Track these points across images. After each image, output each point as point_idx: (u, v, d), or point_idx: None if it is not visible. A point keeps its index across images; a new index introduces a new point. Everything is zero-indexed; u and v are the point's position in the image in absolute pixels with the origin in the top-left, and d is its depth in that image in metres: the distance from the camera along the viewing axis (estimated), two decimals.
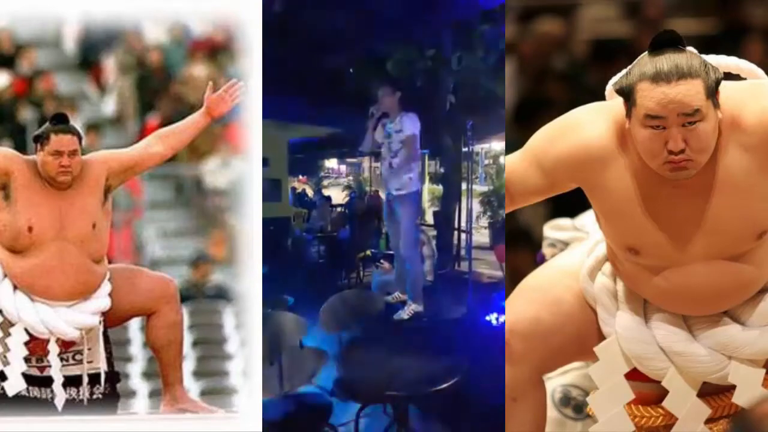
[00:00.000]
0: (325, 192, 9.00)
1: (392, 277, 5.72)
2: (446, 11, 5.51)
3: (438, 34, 5.88)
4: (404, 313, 4.85)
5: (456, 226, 6.60)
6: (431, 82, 6.01)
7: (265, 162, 5.21)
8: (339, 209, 8.64)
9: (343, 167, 10.55)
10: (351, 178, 10.06)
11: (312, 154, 9.10)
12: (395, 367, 3.05)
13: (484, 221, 8.71)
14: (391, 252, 6.51)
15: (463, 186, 6.65)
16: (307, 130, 7.43)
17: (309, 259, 7.06)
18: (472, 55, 5.57)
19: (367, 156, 9.49)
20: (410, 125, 4.93)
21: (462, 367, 3.02)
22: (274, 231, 5.94)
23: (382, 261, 6.33)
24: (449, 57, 5.85)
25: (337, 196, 9.16)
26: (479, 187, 8.91)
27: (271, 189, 6.34)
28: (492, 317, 4.38)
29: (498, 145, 8.82)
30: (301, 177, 9.19)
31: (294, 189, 8.52)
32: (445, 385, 2.84)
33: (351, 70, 6.52)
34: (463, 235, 6.68)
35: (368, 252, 6.89)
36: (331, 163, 10.42)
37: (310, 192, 9.02)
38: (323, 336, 3.68)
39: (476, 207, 8.19)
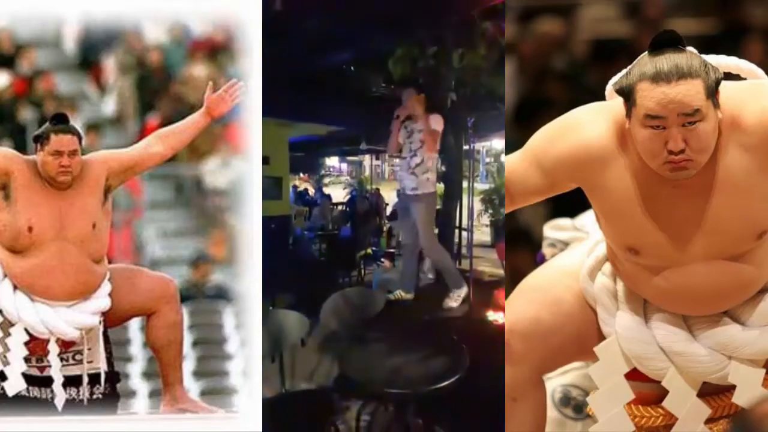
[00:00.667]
0: (326, 190, 8.99)
1: (394, 275, 5.75)
2: (447, 8, 5.49)
3: (439, 32, 5.86)
4: (452, 301, 4.98)
5: (457, 224, 6.61)
6: (432, 80, 6.00)
7: (266, 160, 5.21)
8: (340, 207, 8.65)
9: (344, 165, 10.54)
10: (352, 176, 10.06)
11: (313, 152, 9.11)
12: (396, 365, 3.06)
13: (486, 219, 8.70)
14: (392, 250, 6.52)
15: (464, 184, 6.64)
16: (307, 128, 7.44)
17: (310, 258, 7.06)
18: (474, 53, 5.57)
19: (367, 154, 9.50)
20: (434, 123, 5.02)
21: (463, 365, 3.03)
22: (275, 229, 5.94)
23: (383, 259, 6.34)
24: (450, 54, 5.84)
25: (338, 194, 9.16)
26: (480, 185, 8.91)
27: (273, 187, 6.34)
28: (493, 315, 4.39)
29: (499, 143, 8.81)
30: (302, 175, 9.18)
31: (295, 187, 8.51)
32: (445, 383, 2.84)
33: (352, 68, 6.51)
34: (464, 233, 6.68)
35: (369, 250, 6.90)
36: (332, 161, 10.41)
37: (311, 190, 9.02)
38: (324, 334, 3.68)
39: (477, 205, 8.18)
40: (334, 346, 3.59)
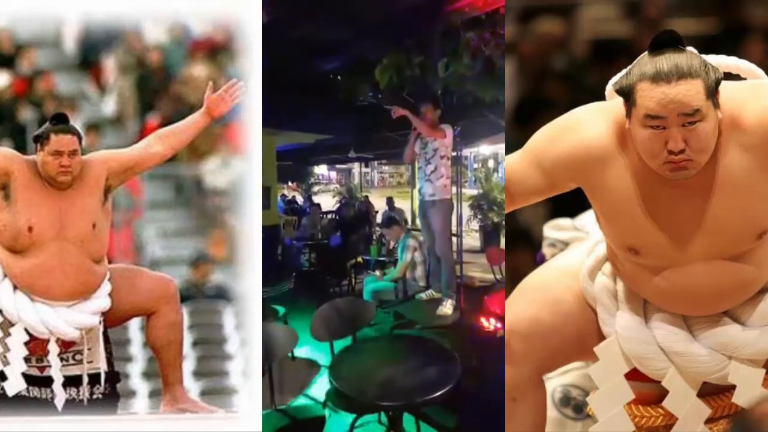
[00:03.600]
0: (315, 198, 8.97)
1: (383, 284, 5.84)
2: (433, 19, 5.57)
3: (425, 42, 5.95)
4: (446, 308, 5.10)
5: None
6: (418, 89, 6.07)
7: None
8: (329, 216, 8.62)
9: (332, 174, 10.54)
10: (341, 184, 10.06)
11: (301, 160, 9.11)
12: (388, 376, 3.02)
13: (475, 224, 8.74)
14: (383, 258, 6.56)
15: (453, 190, 6.73)
16: (295, 137, 7.43)
17: (299, 268, 7.02)
18: (459, 62, 5.65)
19: (356, 162, 9.52)
20: (446, 135, 5.34)
21: (455, 372, 2.99)
22: (263, 239, 5.91)
23: (375, 269, 6.34)
24: (436, 64, 5.93)
25: (328, 202, 9.13)
26: (468, 191, 8.94)
27: (261, 197, 6.31)
28: (484, 321, 4.36)
29: (486, 149, 8.89)
30: (290, 184, 9.17)
31: (284, 196, 8.47)
32: (438, 393, 2.79)
33: (339, 77, 6.58)
34: (454, 239, 6.73)
35: (359, 258, 6.89)
36: (321, 169, 10.40)
37: (300, 199, 8.99)
38: (315, 346, 3.64)
39: (466, 211, 8.19)
40: (325, 358, 3.55)
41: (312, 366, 3.65)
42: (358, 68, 6.33)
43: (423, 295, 5.61)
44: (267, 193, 6.65)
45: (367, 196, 9.09)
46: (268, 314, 4.37)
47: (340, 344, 3.55)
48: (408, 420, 3.15)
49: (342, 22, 5.35)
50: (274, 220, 7.04)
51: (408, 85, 6.13)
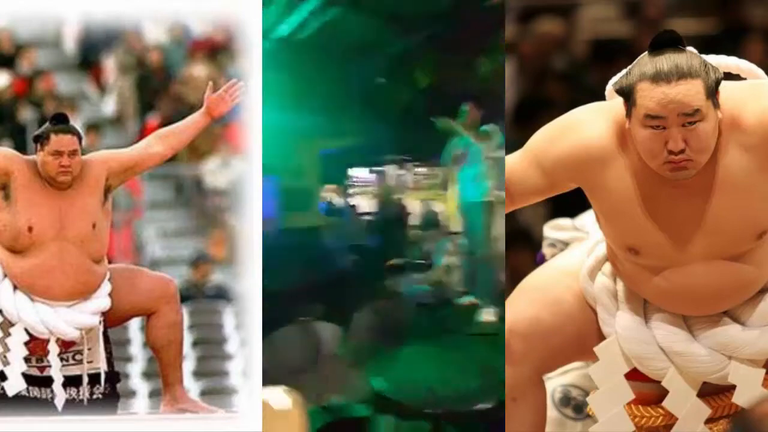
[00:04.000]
0: (353, 201, 8.94)
1: (420, 287, 5.80)
2: (473, 16, 5.56)
3: (465, 40, 5.92)
4: (488, 315, 5.05)
5: None
6: (461, 89, 6.05)
7: (299, 170, 5.22)
8: (367, 218, 8.59)
9: (369, 175, 10.55)
10: (378, 186, 10.04)
11: (340, 163, 9.12)
12: (430, 383, 2.99)
13: None
14: (421, 261, 6.53)
15: (497, 193, 6.68)
16: (336, 140, 7.43)
17: (339, 269, 7.00)
18: (500, 60, 5.65)
19: (392, 164, 9.50)
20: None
21: (498, 383, 2.95)
22: (304, 241, 5.89)
23: (413, 270, 6.30)
24: (478, 62, 5.92)
25: (365, 204, 9.11)
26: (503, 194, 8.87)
27: (303, 199, 6.31)
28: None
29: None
30: (329, 186, 9.15)
31: (323, 198, 8.44)
32: (481, 405, 2.75)
33: (380, 78, 6.57)
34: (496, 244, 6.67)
35: (398, 261, 6.85)
36: (358, 171, 10.40)
37: (338, 201, 8.96)
38: (354, 348, 3.61)
39: None
40: (366, 360, 3.52)
41: (354, 366, 3.63)
42: (398, 69, 6.32)
43: (463, 301, 5.50)
44: (309, 195, 6.67)
45: (402, 198, 9.08)
46: (308, 313, 4.36)
47: (378, 347, 3.53)
48: (449, 430, 3.12)
49: (381, 22, 5.34)
50: (315, 222, 7.05)
51: (449, 85, 6.10)
